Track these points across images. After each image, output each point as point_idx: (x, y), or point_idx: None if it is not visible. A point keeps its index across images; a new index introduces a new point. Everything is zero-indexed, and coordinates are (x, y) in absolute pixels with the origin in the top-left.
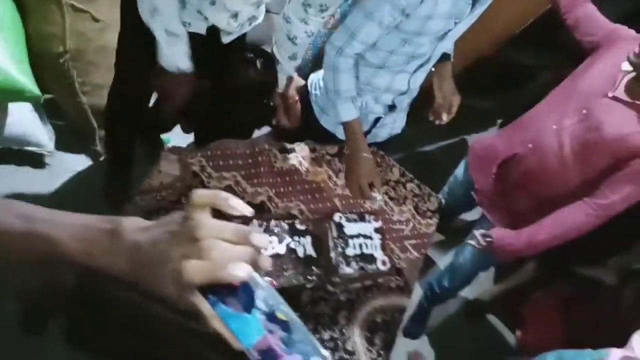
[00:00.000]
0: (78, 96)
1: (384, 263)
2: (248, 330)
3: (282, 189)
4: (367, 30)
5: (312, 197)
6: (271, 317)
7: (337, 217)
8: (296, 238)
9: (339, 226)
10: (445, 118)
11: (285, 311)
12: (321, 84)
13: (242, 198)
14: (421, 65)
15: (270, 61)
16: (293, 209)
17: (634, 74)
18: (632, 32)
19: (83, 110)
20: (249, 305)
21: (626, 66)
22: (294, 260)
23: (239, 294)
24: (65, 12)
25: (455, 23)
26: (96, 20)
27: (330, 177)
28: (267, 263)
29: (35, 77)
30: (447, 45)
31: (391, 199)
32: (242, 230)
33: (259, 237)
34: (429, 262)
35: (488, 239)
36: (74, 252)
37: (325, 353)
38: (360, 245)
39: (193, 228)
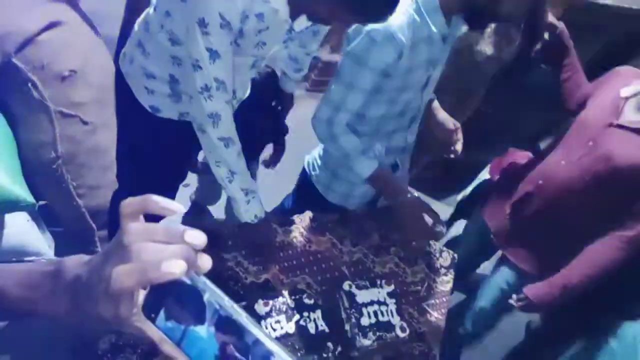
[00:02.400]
0: (74, 200)
1: (402, 329)
2: (202, 348)
3: (286, 264)
4: (351, 100)
5: (318, 268)
6: (221, 323)
7: (346, 285)
8: (305, 314)
9: (350, 295)
10: (459, 148)
11: (232, 311)
12: (319, 162)
13: (245, 278)
14: (414, 118)
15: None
16: (300, 284)
17: (635, 100)
18: (629, 67)
19: (80, 213)
20: (199, 315)
21: (625, 92)
22: (306, 339)
23: (186, 304)
24: (55, 119)
25: (434, 67)
26: (85, 122)
27: (334, 245)
28: (207, 262)
29: (28, 185)
30: (431, 91)
31: (402, 259)
32: (173, 229)
33: (193, 233)
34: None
35: (522, 301)
36: (15, 299)
37: (282, 353)
38: (375, 313)
39: (121, 237)
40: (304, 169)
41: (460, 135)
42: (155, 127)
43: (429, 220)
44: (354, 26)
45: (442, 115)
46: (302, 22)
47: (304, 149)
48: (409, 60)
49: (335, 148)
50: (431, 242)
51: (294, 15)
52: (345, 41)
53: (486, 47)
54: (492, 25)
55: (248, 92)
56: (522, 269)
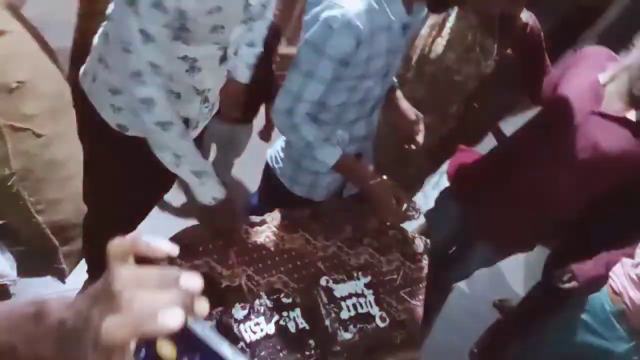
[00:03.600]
0: (33, 216)
1: (382, 319)
2: None
3: (260, 265)
4: (311, 90)
5: (293, 266)
6: None
7: (323, 281)
8: (284, 313)
9: (328, 290)
10: (420, 139)
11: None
12: (282, 155)
13: (220, 283)
14: (375, 106)
15: None
16: (276, 283)
17: (614, 86)
18: (597, 48)
19: (41, 230)
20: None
21: (603, 78)
22: (287, 338)
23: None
24: (5, 134)
25: (394, 56)
26: (38, 135)
27: (308, 241)
28: (204, 308)
29: None
30: (392, 79)
31: (376, 249)
32: (167, 274)
33: (189, 277)
34: (430, 307)
35: (568, 282)
36: None
37: None
38: (355, 306)
39: (110, 282)
40: (267, 163)
41: (422, 126)
42: (123, 146)
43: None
44: (311, 13)
45: (403, 105)
46: None
47: (265, 145)
48: (368, 48)
49: (297, 138)
50: (404, 229)
51: None
52: (302, 31)
53: (463, 66)
54: (467, 43)
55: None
56: (498, 248)
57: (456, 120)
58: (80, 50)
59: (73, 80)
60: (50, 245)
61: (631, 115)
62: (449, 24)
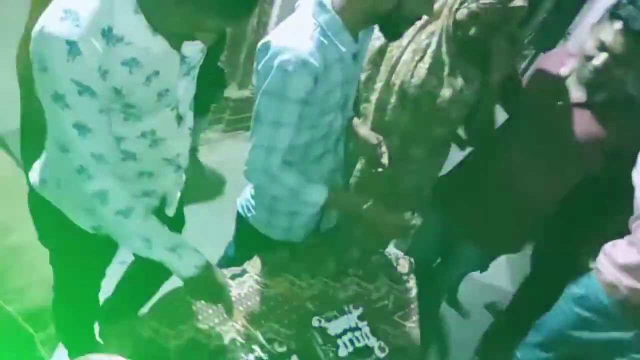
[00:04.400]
0: (2, 308)
1: (381, 349)
2: None
3: (248, 317)
4: (281, 137)
5: (282, 312)
6: None
7: (315, 321)
8: None
9: (322, 330)
10: (386, 161)
11: None
12: (253, 202)
13: (208, 345)
14: (338, 139)
15: None
16: (267, 333)
17: (573, 76)
18: (555, 50)
19: (12, 320)
20: None
21: (564, 71)
22: None
23: None
24: None
25: (349, 86)
26: None
27: (293, 282)
28: None
29: None
30: (350, 109)
31: (363, 278)
32: None
33: None
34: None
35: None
36: None
37: None
38: (351, 341)
39: None
40: (238, 213)
41: (384, 148)
42: (95, 241)
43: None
44: (261, 62)
45: (363, 131)
46: (190, 45)
47: (229, 192)
48: (324, 83)
49: (280, 189)
50: (387, 252)
51: (173, 42)
52: (254, 77)
53: (445, 91)
54: (448, 69)
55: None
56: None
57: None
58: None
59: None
60: (24, 334)
61: (577, 97)
62: (431, 49)
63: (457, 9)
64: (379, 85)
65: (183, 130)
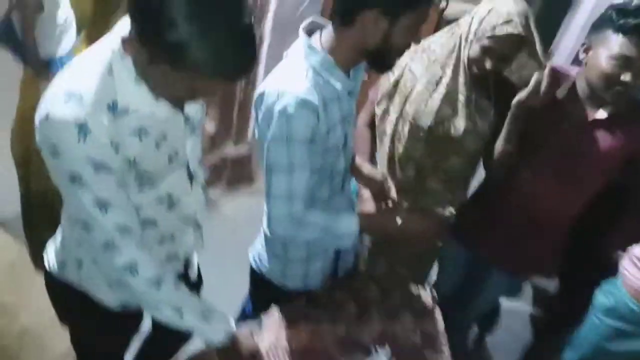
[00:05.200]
0: None
1: None
2: None
3: None
4: (299, 181)
5: None
6: None
7: None
8: None
9: None
10: (394, 195)
11: None
12: (265, 253)
13: None
14: (344, 179)
15: None
16: None
17: (584, 95)
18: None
19: None
20: None
21: (560, 93)
22: None
23: None
24: None
25: (348, 124)
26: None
27: (315, 331)
28: None
29: None
30: (351, 148)
31: (386, 316)
32: None
33: None
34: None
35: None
36: None
37: None
38: None
39: None
40: (251, 267)
41: (390, 183)
42: (120, 319)
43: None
44: (261, 113)
45: (367, 168)
46: (192, 103)
47: (238, 248)
48: (326, 121)
49: (311, 232)
50: (410, 286)
51: (176, 105)
52: (255, 129)
53: (460, 121)
54: (462, 99)
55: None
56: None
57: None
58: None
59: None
60: None
61: (600, 114)
62: (445, 80)
63: (470, 45)
64: (393, 116)
65: (196, 188)
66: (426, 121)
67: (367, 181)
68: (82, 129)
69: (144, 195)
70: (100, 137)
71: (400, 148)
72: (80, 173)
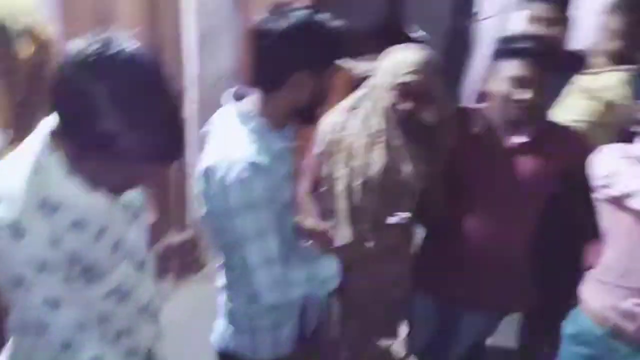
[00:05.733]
0: None
1: None
2: None
3: None
4: (272, 243)
5: None
6: None
7: None
8: None
9: None
10: (337, 245)
11: None
12: (231, 330)
13: None
14: (295, 233)
15: None
16: None
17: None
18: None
19: None
20: None
21: (476, 129)
22: None
23: None
24: None
25: (290, 181)
26: None
27: None
28: None
29: None
30: (295, 208)
31: None
32: None
33: None
34: None
35: None
36: None
37: None
38: None
39: None
40: (218, 350)
41: (332, 230)
42: None
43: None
44: (211, 185)
45: (308, 223)
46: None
47: (198, 335)
48: (272, 180)
49: (298, 288)
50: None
51: (112, 193)
52: (203, 203)
53: (405, 165)
54: (399, 143)
55: None
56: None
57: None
58: None
59: None
60: None
61: (518, 139)
62: (381, 129)
63: (386, 95)
64: (342, 174)
65: (146, 276)
66: (376, 171)
67: (311, 233)
68: (18, 230)
69: (92, 289)
70: (37, 235)
71: (355, 203)
72: (23, 275)
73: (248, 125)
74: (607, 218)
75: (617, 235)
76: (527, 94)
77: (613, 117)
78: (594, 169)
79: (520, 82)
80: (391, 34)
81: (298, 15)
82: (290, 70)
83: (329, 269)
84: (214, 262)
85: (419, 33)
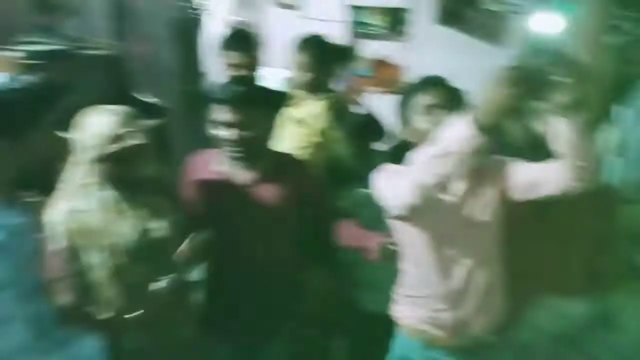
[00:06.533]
0: None
1: None
2: None
3: None
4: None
5: None
6: None
7: None
8: None
9: None
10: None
11: None
12: None
13: None
14: None
15: None
16: None
17: (229, 166)
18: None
19: None
20: None
21: (216, 165)
22: None
23: None
24: None
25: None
26: None
27: None
28: None
29: None
30: None
31: None
32: None
33: None
34: None
35: None
36: None
37: None
38: None
39: None
40: None
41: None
42: None
43: None
44: None
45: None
46: None
47: None
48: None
49: None
50: None
51: None
52: None
53: (153, 222)
54: (127, 205)
55: None
56: None
57: None
58: None
59: None
60: None
61: (244, 177)
62: (107, 194)
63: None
64: (94, 255)
65: None
66: (130, 240)
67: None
68: None
69: None
70: None
71: (122, 282)
72: None
73: None
74: (399, 234)
75: (408, 248)
76: (235, 135)
77: (327, 140)
78: (379, 191)
79: (224, 125)
80: (123, 101)
81: None
82: None
83: (90, 349)
84: None
85: (152, 98)
